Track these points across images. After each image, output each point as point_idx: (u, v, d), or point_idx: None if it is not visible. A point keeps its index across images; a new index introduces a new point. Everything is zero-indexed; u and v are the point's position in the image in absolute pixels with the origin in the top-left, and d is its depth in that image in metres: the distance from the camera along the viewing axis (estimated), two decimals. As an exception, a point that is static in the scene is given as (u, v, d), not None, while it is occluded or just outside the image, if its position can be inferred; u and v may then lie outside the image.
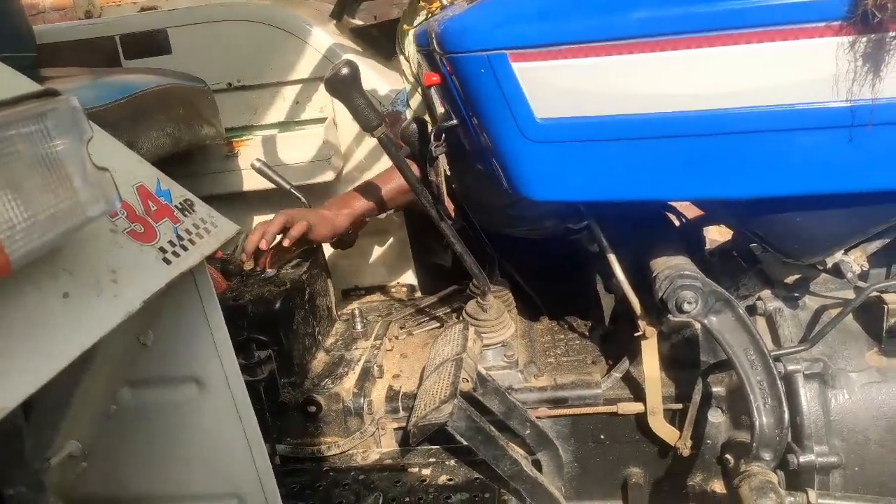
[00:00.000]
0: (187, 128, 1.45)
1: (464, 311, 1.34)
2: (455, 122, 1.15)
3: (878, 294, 1.13)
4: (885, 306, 1.13)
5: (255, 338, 1.24)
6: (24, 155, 0.43)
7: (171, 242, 0.68)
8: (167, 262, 0.65)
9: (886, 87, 0.87)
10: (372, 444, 1.27)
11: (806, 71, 0.89)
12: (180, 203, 0.74)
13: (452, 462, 1.20)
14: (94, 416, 0.84)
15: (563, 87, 0.96)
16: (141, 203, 0.68)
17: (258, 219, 1.92)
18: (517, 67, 0.96)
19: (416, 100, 1.80)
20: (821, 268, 1.17)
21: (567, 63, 0.94)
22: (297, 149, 1.82)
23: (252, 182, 1.80)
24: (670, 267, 1.12)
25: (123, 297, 0.57)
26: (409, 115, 1.81)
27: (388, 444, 1.27)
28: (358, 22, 2.18)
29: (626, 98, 0.95)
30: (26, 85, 0.65)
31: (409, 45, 1.76)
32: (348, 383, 1.29)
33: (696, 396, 1.19)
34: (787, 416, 1.06)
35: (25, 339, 0.48)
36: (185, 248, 0.69)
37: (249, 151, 1.81)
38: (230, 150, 1.82)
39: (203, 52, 1.82)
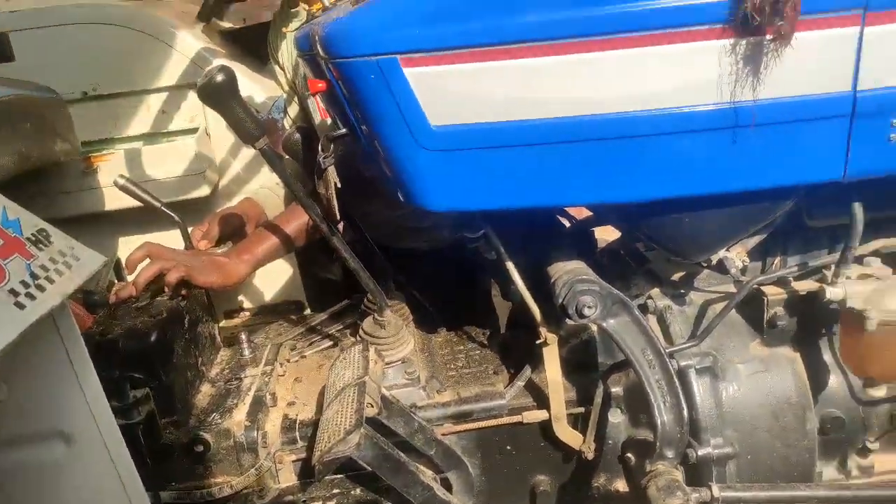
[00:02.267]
0: (36, 143, 1.28)
1: (361, 330, 1.28)
2: (344, 131, 1.09)
3: (758, 287, 1.19)
4: (765, 298, 1.19)
5: (128, 376, 1.12)
6: None
7: (23, 283, 0.57)
8: (20, 306, 0.55)
9: (766, 89, 0.91)
10: (269, 480, 1.18)
11: (691, 74, 0.91)
12: (33, 234, 0.63)
13: (358, 491, 1.14)
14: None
15: (457, 92, 0.93)
16: (-17, 237, 0.57)
17: (124, 241, 1.76)
18: (409, 73, 0.92)
19: (293, 108, 1.72)
20: (705, 265, 1.21)
21: (461, 68, 0.92)
22: (166, 163, 1.68)
23: (116, 201, 1.65)
24: (568, 272, 1.13)
25: (-34, 354, 0.47)
26: (286, 124, 1.72)
27: (287, 479, 1.19)
28: (227, 25, 2.06)
29: (520, 103, 0.93)
30: None
31: (285, 51, 1.67)
32: (239, 416, 1.19)
33: (597, 399, 1.21)
34: (685, 412, 1.09)
35: None
36: (41, 289, 0.58)
37: (110, 167, 1.66)
38: (88, 166, 1.65)
39: (52, 59, 1.65)
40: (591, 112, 0.94)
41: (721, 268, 1.19)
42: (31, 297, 0.57)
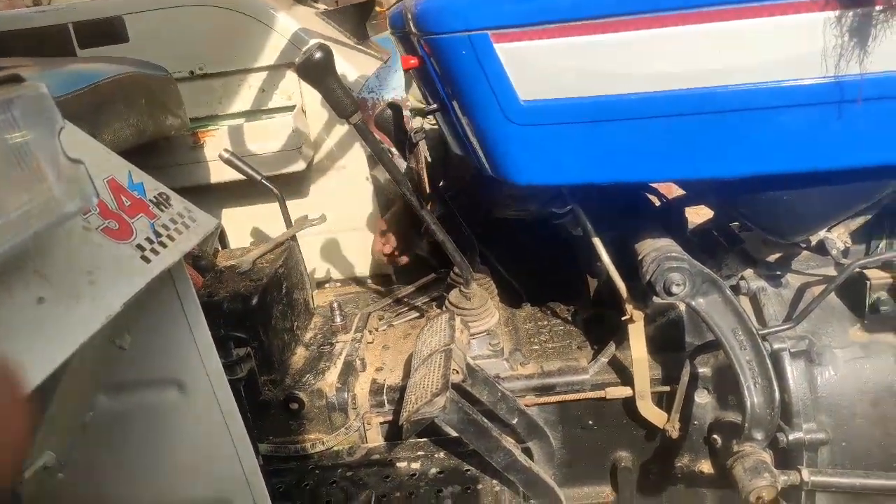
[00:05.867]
0: (151, 118, 1.38)
1: (447, 301, 1.32)
2: (435, 106, 1.11)
3: (860, 270, 1.14)
4: (868, 282, 1.14)
5: (232, 335, 1.20)
6: (-9, 147, 0.39)
7: (148, 239, 0.63)
8: (146, 260, 0.61)
9: (874, 62, 0.86)
10: (358, 440, 1.23)
11: (793, 47, 0.88)
12: (155, 197, 0.69)
13: (442, 455, 1.18)
14: (69, 424, 0.79)
15: (547, 67, 0.93)
16: (114, 198, 0.63)
17: (227, 212, 1.87)
18: (500, 48, 0.93)
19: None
20: (804, 245, 1.17)
21: (551, 43, 0.91)
22: (265, 138, 1.76)
23: (219, 174, 1.74)
24: (656, 249, 1.11)
25: (102, 300, 0.53)
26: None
27: (374, 439, 1.24)
28: (321, 6, 2.12)
29: (612, 78, 0.92)
30: (-18, 73, 0.60)
31: None
32: (331, 378, 1.25)
33: (684, 378, 1.19)
34: (777, 395, 1.06)
35: (-1, 350, 0.43)
36: (163, 245, 0.64)
37: (215, 142, 1.75)
38: (195, 140, 1.75)
39: (163, 40, 1.75)
40: (686, 86, 0.91)
41: (821, 249, 1.15)
42: (154, 252, 0.62)
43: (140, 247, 0.62)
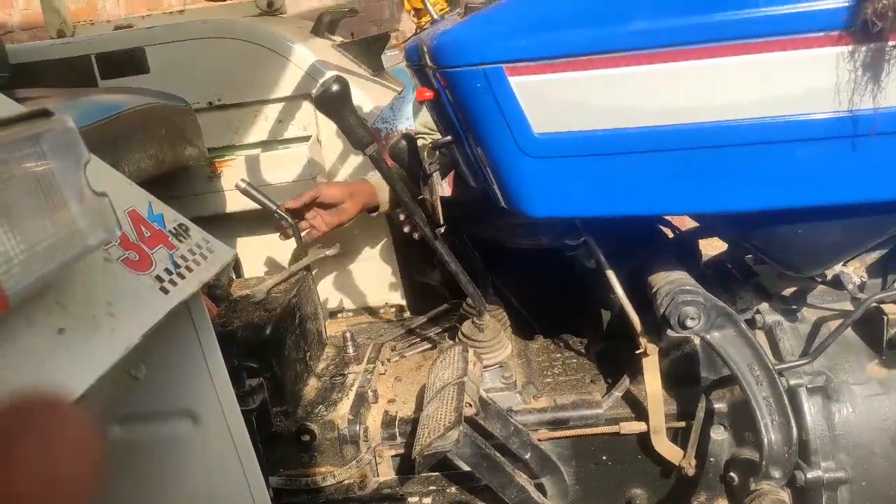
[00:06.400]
0: (170, 149, 1.40)
1: (460, 332, 1.31)
2: (449, 138, 1.13)
3: (876, 305, 1.13)
4: (885, 317, 1.13)
5: (245, 365, 1.20)
6: (19, 181, 0.39)
7: (167, 270, 0.64)
8: (164, 291, 0.62)
9: (887, 97, 0.86)
10: (369, 473, 1.22)
11: (806, 81, 0.88)
12: (174, 228, 0.70)
13: (454, 489, 1.17)
14: (81, 455, 0.79)
15: (561, 100, 0.94)
16: (134, 229, 0.64)
17: (242, 241, 1.88)
18: (514, 81, 0.94)
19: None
20: (819, 280, 1.16)
21: (565, 76, 0.93)
22: (281, 168, 1.78)
23: (235, 203, 1.76)
24: (671, 282, 1.11)
25: (122, 330, 0.53)
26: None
27: (385, 473, 1.23)
28: (337, 39, 2.16)
29: (626, 111, 0.93)
30: (11, 106, 0.61)
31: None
32: (343, 410, 1.25)
33: (699, 414, 1.18)
34: (794, 432, 1.04)
35: (20, 381, 0.44)
36: (181, 276, 0.65)
37: (232, 172, 1.77)
38: (213, 171, 1.77)
39: (182, 71, 1.78)
40: (700, 120, 0.92)
41: (837, 283, 1.14)
42: (173, 283, 0.63)
43: (159, 278, 0.62)
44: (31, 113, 0.43)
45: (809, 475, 1.07)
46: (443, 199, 1.19)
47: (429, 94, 1.10)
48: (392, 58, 2.24)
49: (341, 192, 1.57)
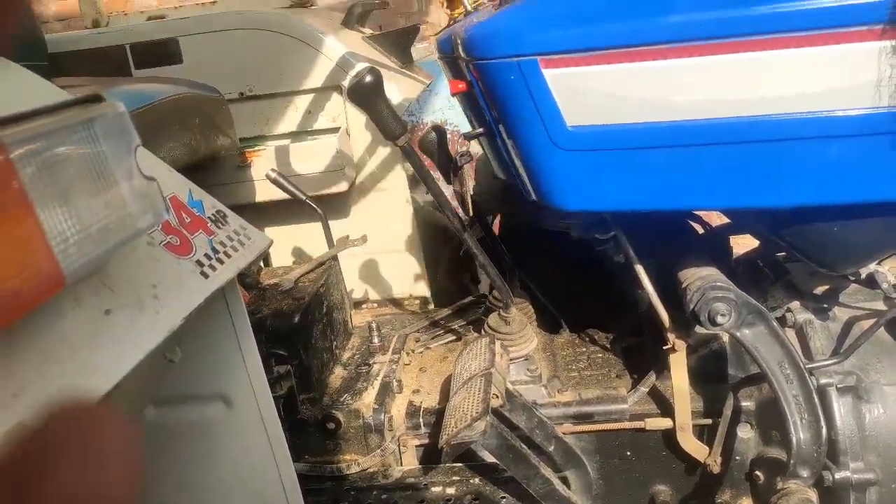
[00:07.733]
0: (203, 138, 1.42)
1: (486, 324, 1.32)
2: (481, 130, 1.13)
3: (912, 305, 1.11)
4: (920, 318, 1.11)
5: (274, 352, 1.21)
6: (75, 163, 0.40)
7: (206, 255, 0.65)
8: (205, 275, 0.63)
9: (930, 94, 0.85)
10: (393, 462, 1.23)
11: (847, 76, 0.87)
12: (213, 214, 0.71)
13: (477, 480, 1.17)
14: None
15: (595, 93, 0.94)
16: (175, 214, 0.66)
17: (270, 230, 1.90)
18: (548, 74, 0.94)
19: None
20: (853, 279, 1.15)
21: (599, 69, 0.92)
22: (310, 159, 1.79)
23: (264, 193, 1.78)
24: (701, 278, 1.10)
25: (165, 313, 0.54)
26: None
27: (409, 462, 1.24)
28: (367, 31, 2.17)
29: (660, 105, 0.93)
30: (57, 93, 0.63)
31: None
32: (368, 399, 1.26)
33: (727, 411, 1.17)
34: (824, 431, 1.03)
35: (67, 360, 0.45)
36: (220, 262, 0.66)
37: (262, 162, 1.79)
38: (243, 160, 1.80)
39: (214, 61, 1.80)
40: (734, 114, 0.91)
41: (870, 282, 1.12)
42: (212, 268, 0.64)
43: (199, 262, 0.63)
44: (84, 98, 0.45)
45: (837, 476, 1.06)
46: (472, 191, 1.19)
47: (461, 85, 1.10)
48: (421, 50, 2.24)
49: None
